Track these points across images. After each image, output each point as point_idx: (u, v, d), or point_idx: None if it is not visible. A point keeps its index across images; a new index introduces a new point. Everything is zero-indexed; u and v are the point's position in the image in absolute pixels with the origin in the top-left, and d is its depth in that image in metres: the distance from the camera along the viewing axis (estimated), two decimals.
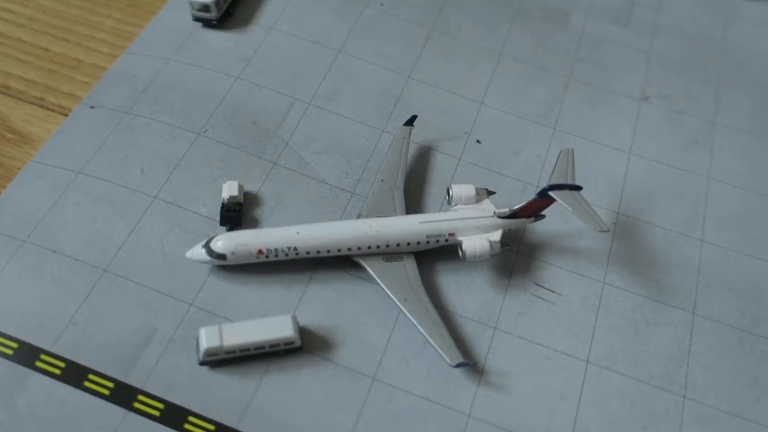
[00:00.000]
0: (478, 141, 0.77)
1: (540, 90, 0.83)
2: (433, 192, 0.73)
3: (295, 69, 0.80)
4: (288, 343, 0.60)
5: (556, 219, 0.70)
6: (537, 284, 0.68)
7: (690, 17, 0.92)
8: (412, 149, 0.75)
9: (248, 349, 0.59)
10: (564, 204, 0.64)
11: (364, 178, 0.73)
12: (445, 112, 0.79)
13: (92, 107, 0.75)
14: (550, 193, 0.64)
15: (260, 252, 0.63)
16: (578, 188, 0.64)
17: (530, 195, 0.73)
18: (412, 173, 0.73)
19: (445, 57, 0.84)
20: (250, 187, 0.70)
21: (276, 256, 0.63)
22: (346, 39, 0.83)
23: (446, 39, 0.85)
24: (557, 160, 0.67)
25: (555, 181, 0.65)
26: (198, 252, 0.63)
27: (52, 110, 0.76)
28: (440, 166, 0.75)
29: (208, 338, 0.58)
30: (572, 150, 0.68)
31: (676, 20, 0.91)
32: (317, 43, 0.82)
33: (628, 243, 0.72)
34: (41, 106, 0.76)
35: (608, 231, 0.66)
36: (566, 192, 0.64)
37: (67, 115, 0.75)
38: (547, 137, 0.79)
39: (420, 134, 0.76)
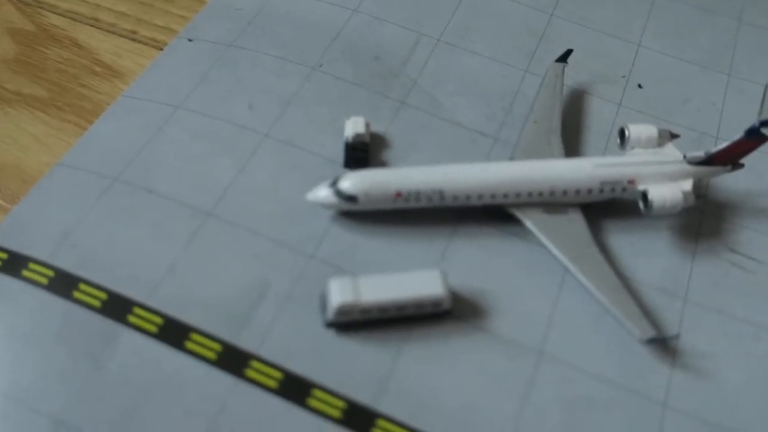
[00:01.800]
0: (639, 86, 0.65)
1: (706, 33, 0.70)
2: (591, 140, 0.61)
3: (419, 2, 0.69)
4: (436, 304, 0.48)
5: (747, 174, 0.57)
6: (732, 250, 0.55)
7: None
8: (564, 89, 0.63)
9: (388, 309, 0.47)
10: None
11: (508, 123, 0.61)
12: (596, 53, 0.67)
13: (190, 40, 0.65)
14: (764, 130, 0.51)
15: (398, 195, 0.51)
16: None
17: (707, 146, 0.61)
18: (565, 119, 0.61)
19: None
20: (375, 128, 0.59)
21: (417, 201, 0.51)
22: None
23: None
24: (764, 96, 0.54)
25: (765, 117, 0.52)
26: (322, 193, 0.52)
27: (145, 44, 0.67)
28: (597, 112, 0.63)
29: (341, 292, 0.46)
30: None
31: None
32: None
33: None
34: (133, 40, 0.67)
35: None
36: None
37: (161, 49, 0.65)
38: (721, 84, 0.66)
39: (570, 76, 0.63)
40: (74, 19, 0.68)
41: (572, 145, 0.60)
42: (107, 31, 0.68)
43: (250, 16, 0.67)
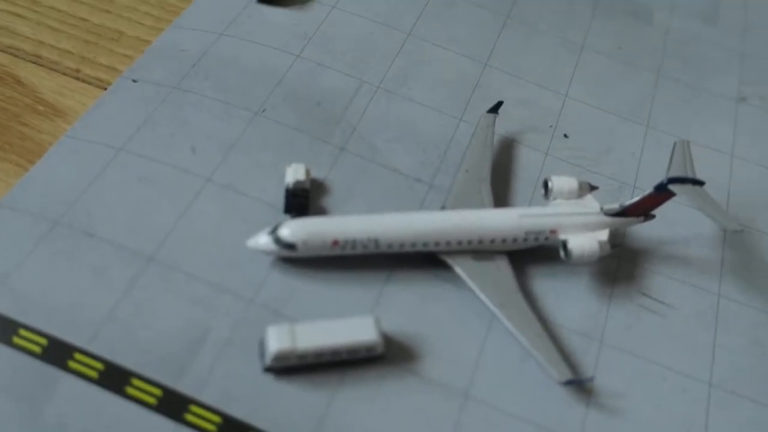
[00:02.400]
0: (565, 135, 0.69)
1: (628, 85, 0.75)
2: (520, 187, 0.65)
3: (361, 50, 0.72)
4: (369, 349, 0.50)
5: (660, 223, 0.62)
6: (644, 294, 0.59)
7: None
8: (494, 138, 0.66)
9: (323, 355, 0.49)
10: (687, 199, 0.55)
11: (442, 170, 0.64)
12: (527, 103, 0.71)
13: (135, 81, 0.66)
14: (671, 187, 0.55)
15: (335, 243, 0.54)
16: (701, 183, 0.56)
17: (627, 195, 0.65)
18: (495, 166, 0.65)
19: (524, 46, 0.76)
20: (316, 174, 0.61)
21: (353, 248, 0.54)
22: (415, 22, 0.75)
23: (524, 27, 0.78)
24: (672, 153, 0.59)
25: (673, 174, 0.57)
26: (262, 240, 0.54)
27: (89, 83, 0.67)
28: (525, 160, 0.67)
29: (278, 339, 0.48)
30: (688, 142, 0.60)
31: (766, 19, 0.85)
32: (385, 25, 0.74)
33: (741, 252, 0.63)
34: (77, 78, 0.68)
35: (741, 231, 0.57)
36: (688, 186, 0.55)
37: (105, 89, 0.66)
38: (640, 135, 0.71)
39: (501, 125, 0.67)
40: (16, 56, 0.69)
41: (502, 193, 0.64)
42: (50, 68, 0.68)
43: (195, 58, 0.68)
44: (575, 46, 0.78)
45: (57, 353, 0.49)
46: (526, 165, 0.66)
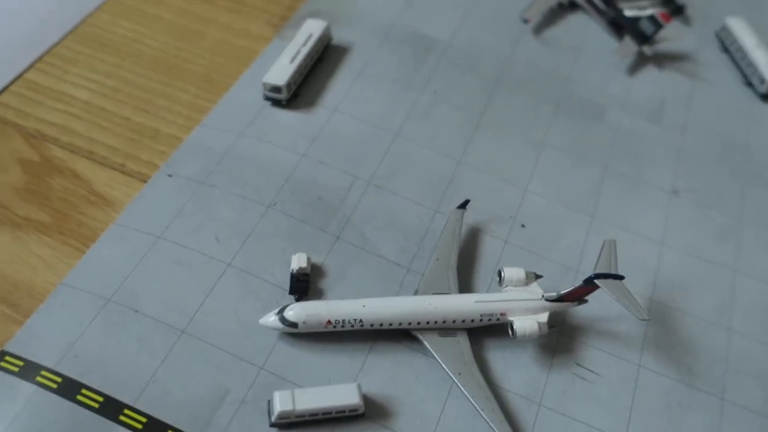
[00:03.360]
0: (522, 225, 0.83)
1: (579, 179, 0.89)
2: (482, 272, 0.79)
3: (356, 149, 0.87)
4: (353, 410, 0.64)
5: (596, 304, 0.76)
6: (578, 364, 0.73)
7: (716, 118, 0.99)
8: (462, 229, 0.81)
9: (317, 414, 0.63)
10: (608, 292, 0.69)
11: (419, 255, 0.78)
12: (492, 197, 0.85)
13: (170, 175, 0.81)
14: (596, 281, 0.70)
15: (329, 322, 0.68)
16: (621, 278, 0.70)
17: (570, 279, 0.79)
18: (461, 253, 0.79)
19: (493, 144, 0.91)
20: (315, 259, 0.76)
21: (343, 326, 0.68)
22: (403, 123, 0.90)
23: (494, 127, 0.92)
24: (601, 250, 0.73)
25: (600, 269, 0.71)
26: (271, 319, 0.68)
27: (132, 176, 0.82)
28: (488, 248, 0.81)
29: (281, 402, 0.63)
30: (614, 241, 0.74)
31: (704, 120, 0.99)
32: (377, 126, 0.89)
33: (661, 329, 0.77)
34: (122, 172, 0.82)
35: (649, 320, 0.71)
36: (610, 281, 0.70)
37: (146, 182, 0.81)
38: (586, 225, 0.85)
39: (469, 216, 0.82)
40: (73, 152, 0.83)
41: (467, 277, 0.78)
42: (101, 163, 0.83)
43: (219, 156, 0.83)
44: (537, 144, 0.92)
45: (111, 409, 0.63)
46: (488, 252, 0.80)
